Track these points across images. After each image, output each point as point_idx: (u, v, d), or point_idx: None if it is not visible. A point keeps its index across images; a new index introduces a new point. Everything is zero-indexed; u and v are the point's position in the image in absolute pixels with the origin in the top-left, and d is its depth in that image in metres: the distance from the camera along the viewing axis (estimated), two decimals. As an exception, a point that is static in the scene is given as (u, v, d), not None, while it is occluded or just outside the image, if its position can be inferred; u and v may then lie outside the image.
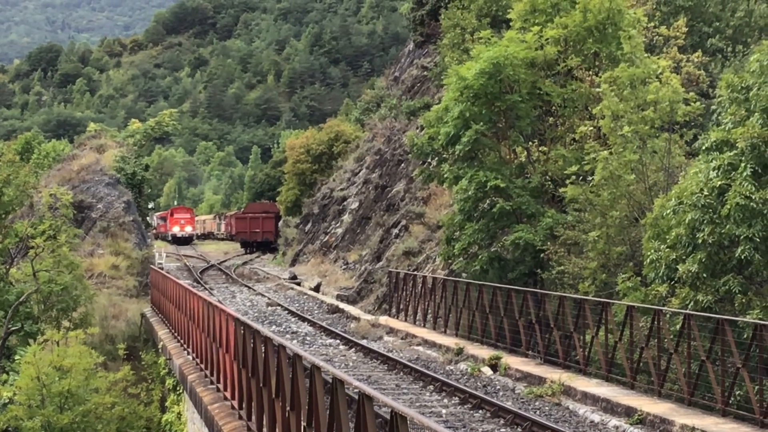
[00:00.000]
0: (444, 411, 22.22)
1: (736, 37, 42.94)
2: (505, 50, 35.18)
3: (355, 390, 13.76)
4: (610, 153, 30.24)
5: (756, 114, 24.06)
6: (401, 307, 39.36)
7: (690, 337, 21.21)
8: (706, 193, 23.94)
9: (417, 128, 55.40)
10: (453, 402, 23.29)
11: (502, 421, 21.13)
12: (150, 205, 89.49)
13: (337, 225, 69.42)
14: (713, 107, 27.81)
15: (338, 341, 34.20)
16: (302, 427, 15.38)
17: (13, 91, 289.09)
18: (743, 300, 22.91)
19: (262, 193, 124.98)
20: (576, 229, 31.48)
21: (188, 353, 31.12)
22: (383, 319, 38.92)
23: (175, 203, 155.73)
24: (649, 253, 25.50)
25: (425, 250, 48.15)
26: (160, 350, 38.62)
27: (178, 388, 33.83)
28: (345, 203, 70.42)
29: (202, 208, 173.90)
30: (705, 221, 23.70)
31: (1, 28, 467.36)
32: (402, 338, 34.60)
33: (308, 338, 35.06)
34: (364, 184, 67.61)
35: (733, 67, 37.21)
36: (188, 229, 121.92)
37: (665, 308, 23.14)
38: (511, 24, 39.16)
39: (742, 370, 19.62)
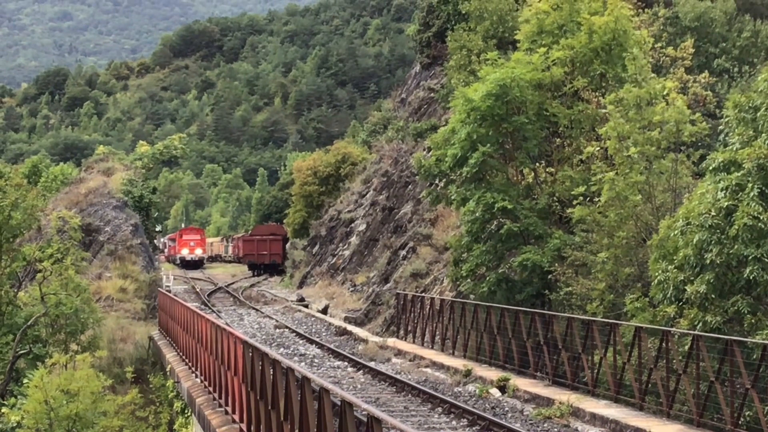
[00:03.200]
0: (452, 433, 22.17)
1: (743, 58, 43.01)
2: (511, 72, 35.25)
3: (364, 412, 13.75)
4: (616, 174, 30.26)
5: (763, 134, 24.07)
6: (409, 329, 39.32)
7: (699, 358, 21.17)
8: (713, 213, 23.92)
9: (424, 150, 55.45)
10: (462, 424, 23.25)
11: (510, 443, 21.09)
12: (157, 228, 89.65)
13: (345, 247, 69.41)
14: (720, 127, 27.81)
15: (346, 363, 34.16)
16: (311, 450, 15.36)
17: (20, 115, 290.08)
18: (752, 321, 22.87)
19: (270, 215, 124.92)
20: (584, 250, 31.46)
21: (196, 376, 31.10)
22: (391, 341, 38.86)
23: (183, 225, 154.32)
24: (656, 274, 25.47)
25: (433, 272, 48.12)
26: (168, 373, 38.60)
27: (186, 411, 33.79)
28: (352, 225, 70.41)
29: (210, 231, 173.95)
30: (713, 242, 23.68)
31: (8, 52, 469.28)
32: (410, 360, 34.55)
33: (316, 360, 35.02)
34: (371, 206, 67.62)
35: (740, 88, 37.25)
36: (198, 252, 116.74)
37: (674, 329, 23.11)
38: (517, 45, 39.26)
39: (751, 391, 19.56)
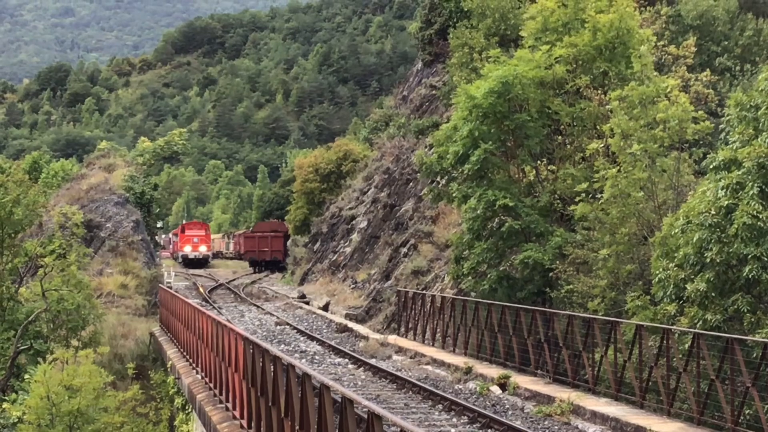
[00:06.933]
0: (453, 430, 22.19)
1: (745, 56, 43.02)
2: (514, 69, 35.25)
3: (365, 409, 13.77)
4: (619, 170, 30.27)
5: (764, 133, 24.08)
6: (410, 326, 39.33)
7: (699, 356, 21.19)
8: (713, 212, 23.93)
9: (426, 147, 55.44)
10: (462, 421, 23.26)
11: (511, 441, 21.10)
12: (159, 224, 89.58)
13: (346, 244, 69.41)
14: (722, 126, 27.82)
15: (347, 360, 34.18)
16: (311, 447, 15.38)
17: (22, 111, 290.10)
18: (752, 319, 22.88)
19: (271, 212, 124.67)
20: (585, 247, 31.47)
21: (197, 372, 31.13)
22: (392, 339, 38.88)
23: (184, 222, 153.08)
24: (657, 272, 25.49)
25: (434, 269, 48.13)
26: (169, 369, 38.63)
27: (187, 408, 33.82)
28: (354, 222, 70.42)
29: (211, 228, 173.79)
30: (713, 240, 23.69)
31: (10, 48, 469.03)
32: (411, 357, 34.56)
33: (317, 357, 35.04)
34: (372, 203, 67.62)
35: (742, 86, 37.25)
36: (203, 249, 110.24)
37: (674, 327, 23.13)
38: (521, 43, 39.25)
39: (751, 389, 19.58)
